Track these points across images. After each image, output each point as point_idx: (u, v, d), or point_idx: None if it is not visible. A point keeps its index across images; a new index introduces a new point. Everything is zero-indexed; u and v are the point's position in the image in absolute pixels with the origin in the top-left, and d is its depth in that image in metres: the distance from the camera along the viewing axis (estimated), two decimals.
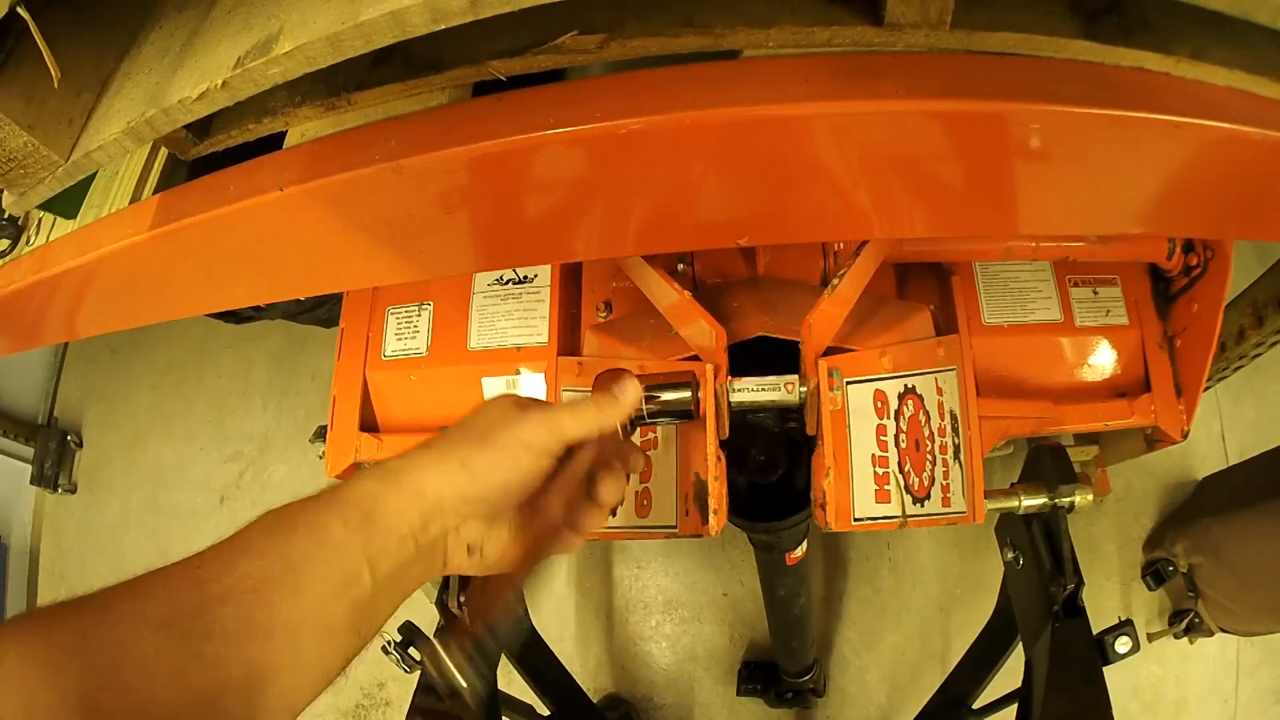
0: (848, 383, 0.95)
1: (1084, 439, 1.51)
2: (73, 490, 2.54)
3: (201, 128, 0.75)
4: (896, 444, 0.97)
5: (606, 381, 0.81)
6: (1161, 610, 1.89)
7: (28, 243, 0.94)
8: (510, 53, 0.63)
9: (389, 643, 1.16)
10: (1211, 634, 1.80)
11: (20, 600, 2.44)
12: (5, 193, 0.72)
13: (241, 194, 0.71)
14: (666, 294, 0.97)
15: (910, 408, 0.99)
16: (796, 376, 0.94)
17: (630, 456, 0.71)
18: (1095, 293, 1.14)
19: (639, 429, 0.90)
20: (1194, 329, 1.11)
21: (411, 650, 1.17)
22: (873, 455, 0.95)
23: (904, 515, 0.94)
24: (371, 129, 0.70)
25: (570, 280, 1.19)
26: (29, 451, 2.53)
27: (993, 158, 0.64)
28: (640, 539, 0.94)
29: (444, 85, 0.67)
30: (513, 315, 1.17)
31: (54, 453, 2.52)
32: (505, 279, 1.19)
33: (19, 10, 0.57)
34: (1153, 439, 1.18)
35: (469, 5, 0.51)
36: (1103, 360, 1.14)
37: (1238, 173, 0.66)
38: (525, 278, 1.19)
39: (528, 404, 0.63)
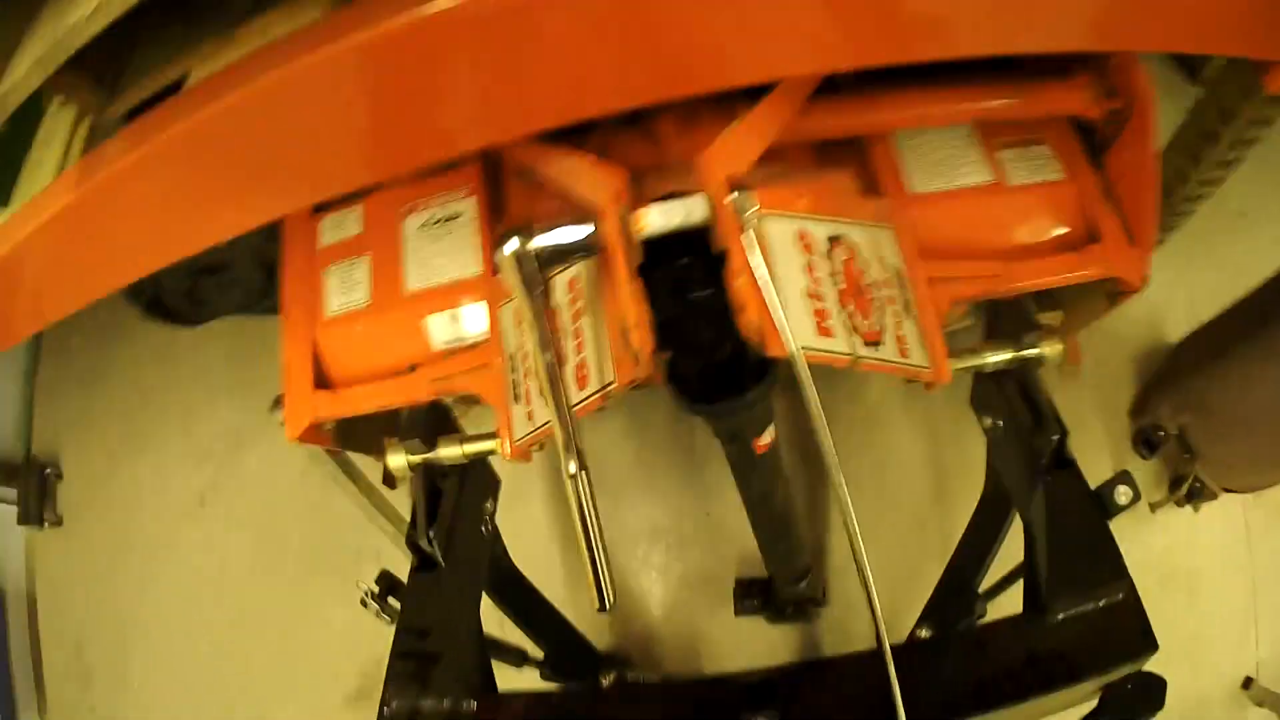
0: (764, 215, 0.91)
1: (1045, 305, 1.50)
2: (59, 523, 2.51)
3: (112, 85, 0.84)
4: (833, 283, 0.95)
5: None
6: (1159, 480, 1.86)
7: None
8: None
9: (367, 593, 1.14)
10: (1215, 496, 1.75)
11: (24, 644, 2.41)
12: None
13: (156, 131, 0.77)
14: (568, 162, 0.98)
15: (844, 252, 0.98)
16: (702, 194, 0.89)
17: None
18: (1023, 151, 1.14)
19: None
20: (1132, 173, 1.11)
21: (390, 600, 1.16)
22: (805, 288, 0.93)
23: (855, 354, 0.93)
24: (259, 52, 0.76)
25: (494, 209, 1.20)
26: (12, 493, 2.49)
27: None
28: (589, 410, 0.94)
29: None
30: (445, 252, 1.17)
31: (36, 488, 2.50)
32: (434, 219, 1.20)
33: None
34: (1114, 293, 1.18)
35: None
36: (1044, 216, 1.13)
37: None
38: (452, 215, 1.19)
39: None
